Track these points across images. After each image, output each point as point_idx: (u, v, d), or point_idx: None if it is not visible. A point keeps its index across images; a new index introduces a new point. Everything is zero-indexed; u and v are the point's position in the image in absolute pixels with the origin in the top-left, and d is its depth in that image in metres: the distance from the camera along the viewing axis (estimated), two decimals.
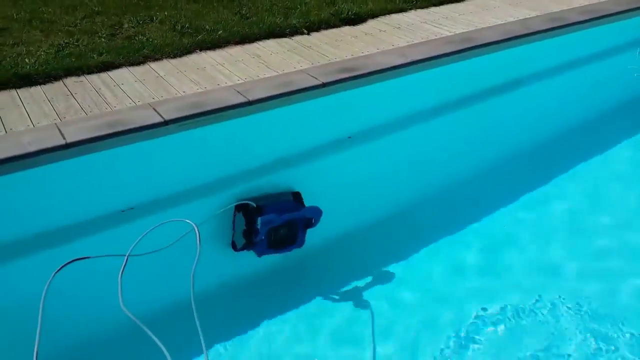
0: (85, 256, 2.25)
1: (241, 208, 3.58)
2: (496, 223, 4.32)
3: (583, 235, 4.17)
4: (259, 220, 3.48)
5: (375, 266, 4.02)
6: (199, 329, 1.88)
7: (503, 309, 3.56)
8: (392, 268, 3.98)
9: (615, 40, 5.54)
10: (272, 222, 3.52)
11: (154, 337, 1.81)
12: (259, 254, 3.66)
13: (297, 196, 3.80)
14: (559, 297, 3.61)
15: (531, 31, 4.83)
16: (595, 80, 5.39)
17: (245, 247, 3.66)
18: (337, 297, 3.78)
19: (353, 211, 4.24)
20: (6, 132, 3.24)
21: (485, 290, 3.72)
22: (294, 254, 3.80)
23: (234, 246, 3.70)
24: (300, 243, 3.75)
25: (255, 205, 3.47)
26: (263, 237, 3.53)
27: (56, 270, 2.09)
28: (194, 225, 2.32)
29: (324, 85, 3.86)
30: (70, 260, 2.17)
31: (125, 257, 2.21)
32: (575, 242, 4.11)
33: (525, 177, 4.71)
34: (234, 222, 3.65)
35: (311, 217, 3.71)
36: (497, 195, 4.54)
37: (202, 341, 1.85)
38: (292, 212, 3.61)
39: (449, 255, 4.03)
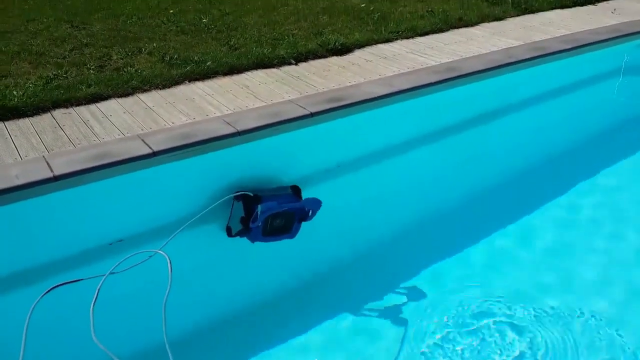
0: (68, 281, 2.25)
1: (240, 197, 3.59)
2: (480, 251, 4.34)
3: (570, 260, 4.20)
4: (259, 207, 3.49)
5: (358, 301, 4.00)
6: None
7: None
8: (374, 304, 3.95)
9: (596, 68, 5.67)
10: (271, 209, 3.51)
11: None
12: (252, 240, 3.65)
13: (295, 189, 3.80)
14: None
15: (514, 60, 4.93)
16: (577, 108, 5.49)
17: (240, 234, 3.65)
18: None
19: (339, 242, 4.25)
20: None
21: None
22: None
23: (229, 232, 3.68)
24: (294, 234, 3.73)
25: (252, 195, 3.50)
26: (260, 224, 3.51)
27: (42, 295, 2.08)
28: (166, 257, 2.33)
29: (312, 115, 3.90)
30: (53, 286, 2.17)
31: (97, 289, 2.21)
32: (561, 269, 4.15)
33: (509, 205, 4.75)
34: (231, 209, 3.63)
35: (309, 210, 3.70)
36: (484, 222, 4.56)
37: None
38: (291, 202, 3.62)
39: (419, 294, 4.02)
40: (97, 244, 3.25)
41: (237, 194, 3.56)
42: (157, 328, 2.32)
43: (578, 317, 3.67)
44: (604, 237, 4.39)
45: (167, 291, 2.25)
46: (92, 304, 2.13)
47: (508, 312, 3.72)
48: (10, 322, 2.48)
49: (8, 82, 4.31)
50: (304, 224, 3.71)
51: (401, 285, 4.08)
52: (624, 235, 4.41)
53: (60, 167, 3.10)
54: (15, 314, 2.41)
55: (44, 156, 3.26)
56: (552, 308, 3.73)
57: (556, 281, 4.02)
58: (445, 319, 3.74)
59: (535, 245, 4.41)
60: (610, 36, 5.69)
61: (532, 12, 6.67)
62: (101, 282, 2.27)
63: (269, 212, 3.50)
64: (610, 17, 6.45)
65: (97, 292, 2.20)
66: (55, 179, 3.03)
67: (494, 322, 3.65)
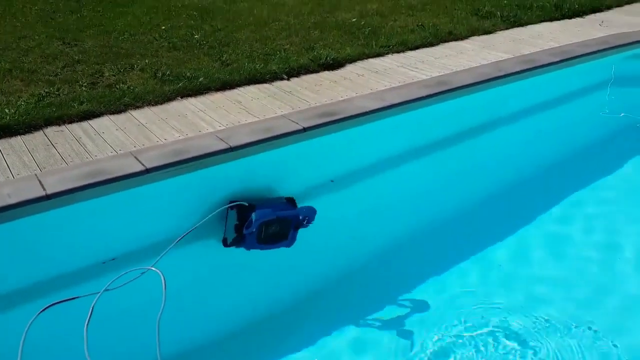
0: (63, 300, 2.25)
1: (235, 208, 3.61)
2: (473, 263, 4.35)
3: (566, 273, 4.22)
4: (253, 214, 3.52)
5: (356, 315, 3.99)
6: None
7: None
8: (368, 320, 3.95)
9: (586, 80, 5.73)
10: (265, 216, 3.54)
11: None
12: (248, 248, 3.66)
13: (290, 200, 3.83)
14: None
15: (504, 73, 4.98)
16: (567, 120, 5.53)
17: (235, 242, 3.66)
18: None
19: (333, 256, 4.25)
20: None
21: None
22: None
23: (225, 242, 3.69)
24: (291, 242, 3.75)
25: (247, 204, 3.54)
26: (254, 230, 3.52)
27: (37, 313, 2.08)
28: (160, 273, 2.33)
29: (304, 130, 3.91)
30: (48, 305, 2.17)
31: (91, 307, 2.21)
32: (554, 280, 4.16)
33: (502, 217, 4.77)
34: (226, 220, 3.64)
35: (305, 217, 3.71)
36: (476, 235, 4.58)
37: None
38: (286, 210, 3.65)
39: (414, 306, 4.02)
40: (90, 262, 3.24)
41: (232, 204, 3.57)
42: (151, 344, 2.32)
43: (573, 328, 3.68)
44: (597, 248, 4.42)
45: (161, 308, 2.25)
46: (86, 323, 2.13)
47: (502, 323, 3.74)
48: (3, 342, 2.46)
49: (0, 100, 4.30)
50: (301, 235, 3.71)
51: (397, 298, 4.08)
52: (617, 246, 4.44)
53: (53, 186, 3.09)
54: (9, 333, 2.39)
55: (36, 174, 3.26)
56: (546, 320, 3.75)
57: (549, 293, 4.04)
58: (440, 331, 3.75)
59: (527, 257, 4.43)
60: (599, 48, 5.76)
61: (521, 25, 6.74)
62: (95, 300, 2.27)
63: (263, 218, 3.52)
64: (598, 30, 6.53)
65: (91, 310, 2.20)
66: (48, 197, 3.02)
67: (489, 333, 3.66)
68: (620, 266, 4.27)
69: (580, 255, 4.39)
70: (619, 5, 7.77)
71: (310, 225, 3.75)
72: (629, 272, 4.22)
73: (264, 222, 3.54)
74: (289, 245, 3.74)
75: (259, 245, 3.62)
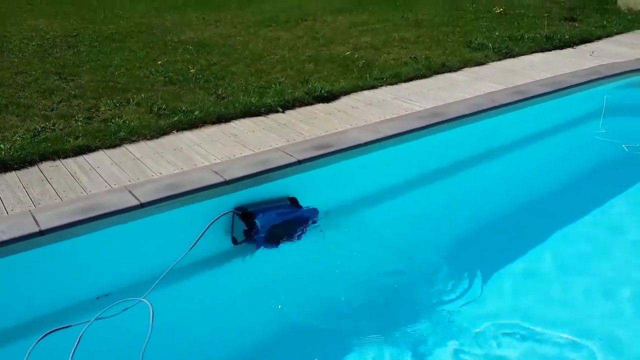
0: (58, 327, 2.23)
1: (240, 214, 3.73)
2: (469, 292, 4.30)
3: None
4: (258, 221, 3.67)
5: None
6: None
7: None
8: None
9: (578, 110, 5.78)
10: (271, 221, 3.72)
11: None
12: (257, 247, 3.80)
13: (293, 200, 3.94)
14: None
15: (497, 104, 5.02)
16: (559, 151, 5.56)
17: (245, 242, 3.79)
18: None
19: (332, 287, 4.21)
20: None
21: None
22: None
23: (234, 241, 3.79)
24: (296, 238, 3.91)
25: (251, 210, 3.68)
26: (263, 235, 3.70)
27: (35, 342, 2.06)
28: (149, 304, 2.33)
29: (299, 162, 3.93)
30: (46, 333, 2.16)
31: (78, 338, 2.20)
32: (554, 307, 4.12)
33: (496, 247, 4.74)
34: (232, 220, 3.74)
35: (308, 217, 3.90)
36: (470, 265, 4.55)
37: None
38: (289, 213, 3.83)
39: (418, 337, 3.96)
40: (84, 298, 3.20)
41: (236, 212, 3.67)
42: None
43: (573, 351, 3.62)
44: (594, 278, 4.39)
45: (147, 338, 2.24)
46: (71, 353, 2.12)
47: (502, 350, 3.67)
48: None
49: None
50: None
51: (401, 329, 4.02)
52: (617, 280, 4.40)
53: (47, 222, 3.08)
54: None
55: (30, 210, 3.25)
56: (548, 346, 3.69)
57: (550, 319, 3.99)
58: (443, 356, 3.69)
59: (525, 285, 4.39)
60: (591, 78, 5.83)
61: (513, 56, 6.84)
62: (83, 330, 2.26)
63: (269, 223, 3.70)
64: (589, 60, 6.62)
65: (77, 340, 2.19)
66: (42, 233, 3.01)
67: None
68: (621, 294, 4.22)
69: (579, 286, 4.34)
70: (609, 36, 7.89)
71: (314, 224, 3.94)
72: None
73: (271, 226, 3.71)
74: (293, 241, 3.89)
75: (267, 244, 3.78)
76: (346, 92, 5.50)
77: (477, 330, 3.91)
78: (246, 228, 3.76)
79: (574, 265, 4.53)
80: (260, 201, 3.80)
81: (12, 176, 3.77)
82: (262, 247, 3.79)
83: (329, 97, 5.33)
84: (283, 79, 5.87)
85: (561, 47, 7.26)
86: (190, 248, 3.36)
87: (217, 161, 3.99)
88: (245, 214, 3.72)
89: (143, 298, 2.47)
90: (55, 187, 3.62)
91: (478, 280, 4.40)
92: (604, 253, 4.68)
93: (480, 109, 4.92)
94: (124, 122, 4.63)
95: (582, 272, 4.44)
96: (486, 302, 4.22)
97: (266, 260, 3.90)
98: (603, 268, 4.48)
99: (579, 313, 4.08)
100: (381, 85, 5.73)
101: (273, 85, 5.60)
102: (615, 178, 5.52)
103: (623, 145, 5.63)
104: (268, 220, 3.71)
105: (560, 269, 4.54)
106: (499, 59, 6.71)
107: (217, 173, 3.70)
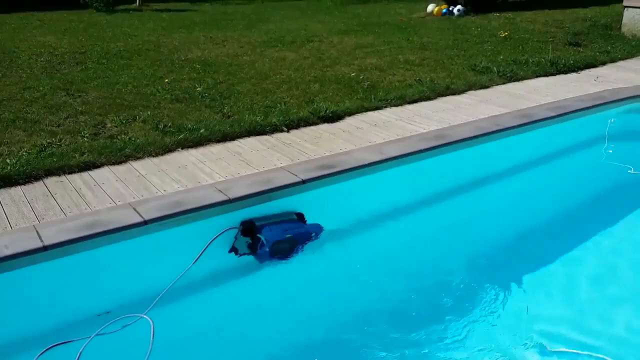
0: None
1: (246, 229, 3.78)
2: (476, 316, 4.26)
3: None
4: (263, 236, 3.72)
5: None
6: None
7: None
8: None
9: (582, 134, 5.79)
10: (276, 236, 3.77)
11: None
12: (261, 261, 3.82)
13: (300, 216, 3.99)
14: None
15: (501, 128, 5.04)
16: (564, 174, 5.55)
17: (247, 254, 3.81)
18: None
19: (333, 309, 4.18)
20: None
21: None
22: None
23: (236, 251, 3.79)
24: (298, 252, 3.94)
25: (257, 224, 3.74)
26: (267, 249, 3.74)
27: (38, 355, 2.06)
28: (150, 321, 2.33)
29: (303, 182, 3.94)
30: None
31: (78, 354, 2.20)
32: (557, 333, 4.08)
33: (503, 269, 4.71)
34: (236, 234, 3.77)
35: (313, 232, 3.97)
36: (475, 289, 4.52)
37: None
38: (295, 229, 3.87)
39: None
40: (85, 314, 3.19)
41: (240, 227, 3.70)
42: None
43: None
44: (603, 302, 4.35)
45: (147, 354, 2.24)
46: None
47: None
48: None
49: (2, 150, 4.35)
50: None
51: (402, 352, 3.98)
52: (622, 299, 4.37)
53: (50, 237, 3.09)
54: None
55: (34, 225, 3.25)
56: None
57: (554, 344, 3.95)
58: None
59: (531, 308, 4.35)
60: (595, 103, 5.85)
61: (517, 80, 6.87)
62: (83, 345, 2.26)
63: (274, 238, 3.74)
64: (593, 85, 6.65)
65: (78, 356, 2.19)
66: (45, 248, 3.02)
67: None
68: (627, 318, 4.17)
69: (587, 309, 4.30)
70: (613, 61, 7.94)
71: (316, 239, 3.99)
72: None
73: (276, 241, 3.75)
74: (294, 256, 3.92)
75: (271, 258, 3.80)
76: (351, 113, 5.53)
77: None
78: (250, 242, 3.79)
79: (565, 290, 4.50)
80: (268, 215, 3.84)
81: (17, 191, 3.79)
82: (267, 261, 3.81)
83: (334, 118, 5.36)
84: (288, 98, 5.92)
85: (565, 72, 7.30)
86: (192, 263, 3.36)
87: (222, 179, 4.00)
88: (248, 229, 3.74)
89: (144, 314, 2.47)
90: (59, 202, 3.63)
91: (478, 304, 4.37)
92: (608, 276, 4.66)
93: (485, 132, 4.93)
94: (129, 138, 4.65)
95: (571, 300, 4.41)
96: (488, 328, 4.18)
97: (269, 277, 3.90)
98: (601, 294, 4.45)
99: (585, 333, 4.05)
100: (386, 107, 5.76)
101: (278, 105, 5.64)
102: (619, 202, 5.51)
103: (628, 171, 5.62)
104: (273, 235, 3.75)
105: (564, 292, 4.52)
106: (504, 83, 6.74)
107: (221, 191, 3.71)
